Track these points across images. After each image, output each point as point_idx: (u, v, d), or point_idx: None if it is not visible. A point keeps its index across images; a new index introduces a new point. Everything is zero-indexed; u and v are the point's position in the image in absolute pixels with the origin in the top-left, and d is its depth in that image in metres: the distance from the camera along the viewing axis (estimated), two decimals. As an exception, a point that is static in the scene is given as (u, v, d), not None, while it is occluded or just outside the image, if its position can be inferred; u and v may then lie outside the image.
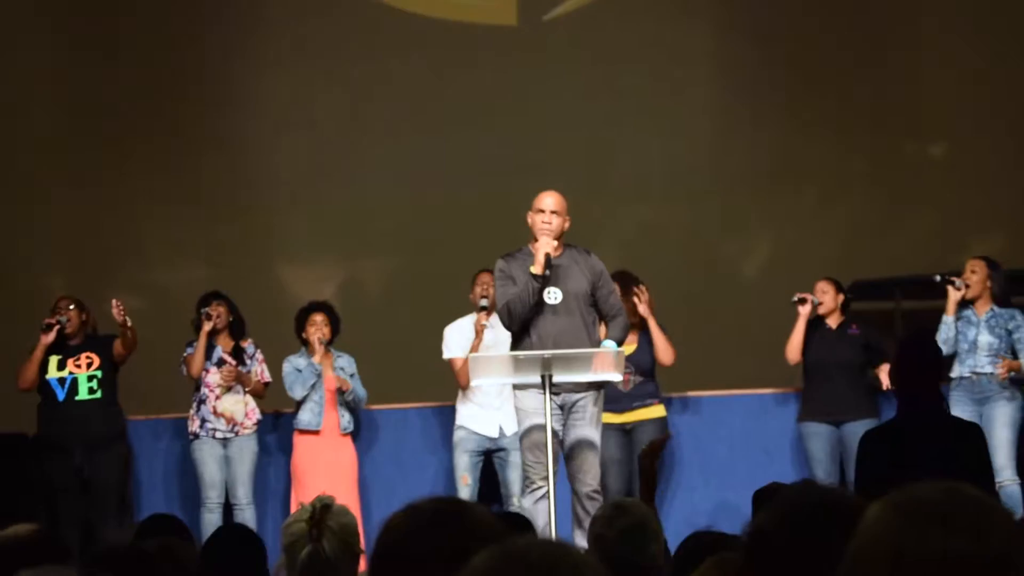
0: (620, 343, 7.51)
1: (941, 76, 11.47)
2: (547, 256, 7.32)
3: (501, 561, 1.68)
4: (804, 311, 9.14)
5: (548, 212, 7.41)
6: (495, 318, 8.94)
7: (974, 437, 5.63)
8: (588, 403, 7.40)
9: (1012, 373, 8.78)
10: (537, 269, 7.31)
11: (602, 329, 7.61)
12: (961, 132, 11.53)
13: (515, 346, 7.49)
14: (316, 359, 9.16)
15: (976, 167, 11.38)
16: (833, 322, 9.25)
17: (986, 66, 11.41)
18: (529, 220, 7.50)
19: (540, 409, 7.15)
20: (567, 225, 7.52)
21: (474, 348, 8.97)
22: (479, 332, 9.04)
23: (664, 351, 9.12)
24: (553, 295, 7.38)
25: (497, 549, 1.71)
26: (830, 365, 9.08)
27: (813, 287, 9.28)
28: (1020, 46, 11.40)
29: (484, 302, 9.05)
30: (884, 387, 9.02)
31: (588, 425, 7.39)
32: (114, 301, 8.89)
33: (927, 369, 5.70)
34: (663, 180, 11.52)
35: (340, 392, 9.16)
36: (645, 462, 5.44)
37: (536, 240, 7.45)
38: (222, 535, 4.49)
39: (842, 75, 11.51)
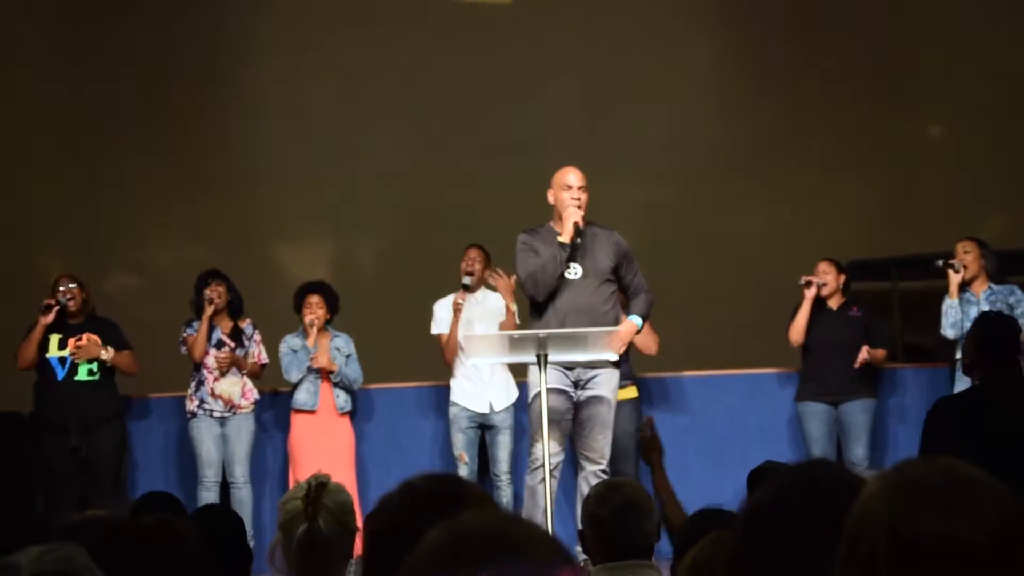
0: (644, 318, 7.50)
1: (943, 56, 11.46)
2: (576, 225, 7.31)
3: (452, 537, 1.68)
4: (810, 294, 9.14)
5: (576, 188, 7.42)
6: (480, 294, 8.98)
7: None
8: (602, 380, 7.36)
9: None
10: (566, 237, 7.32)
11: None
12: (961, 113, 11.53)
13: (531, 320, 7.45)
14: (310, 343, 9.15)
15: (976, 148, 11.38)
16: (834, 303, 9.26)
17: (989, 47, 11.40)
18: (551, 198, 7.48)
19: (552, 385, 7.12)
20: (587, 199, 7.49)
21: (452, 326, 8.95)
22: (456, 310, 9.00)
23: (645, 347, 9.08)
24: (574, 271, 7.38)
25: (448, 525, 1.70)
26: (830, 346, 9.09)
27: (814, 267, 9.28)
28: (1022, 25, 11.39)
29: (467, 280, 9.03)
30: (857, 364, 8.99)
31: (600, 402, 7.35)
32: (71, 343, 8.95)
33: (1008, 345, 5.75)
34: (661, 158, 11.52)
35: (329, 373, 9.15)
36: (647, 443, 5.44)
37: (557, 217, 7.46)
38: (200, 517, 4.49)
39: (844, 55, 11.50)
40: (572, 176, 7.45)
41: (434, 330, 9.22)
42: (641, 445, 5.49)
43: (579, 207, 7.36)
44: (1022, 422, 5.47)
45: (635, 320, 7.36)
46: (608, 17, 11.65)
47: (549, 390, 7.09)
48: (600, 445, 7.34)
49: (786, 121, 11.48)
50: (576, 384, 7.36)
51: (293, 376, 9.18)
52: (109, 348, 9.02)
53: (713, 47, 11.74)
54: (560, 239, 7.33)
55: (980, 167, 11.33)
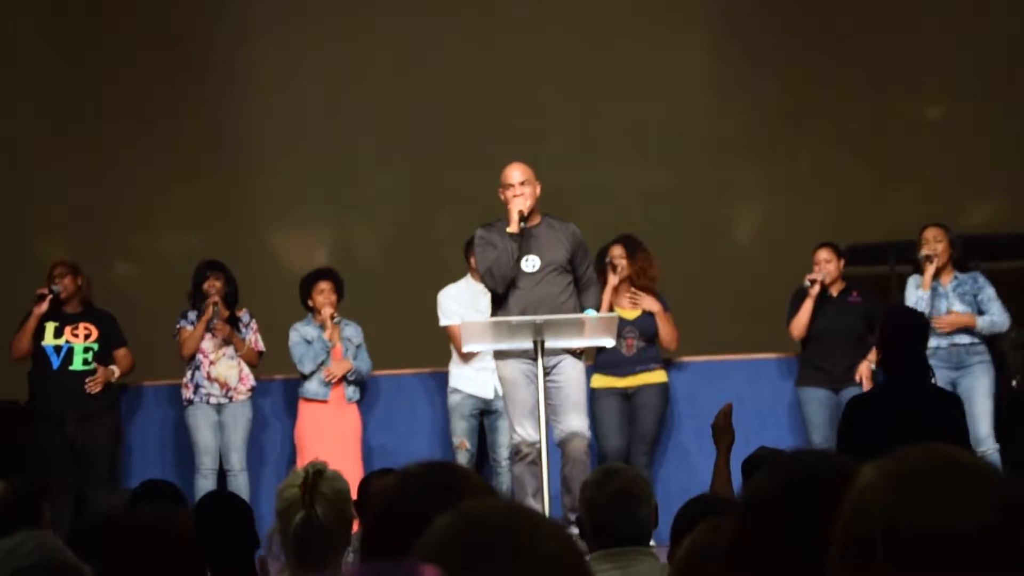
0: (597, 309, 7.64)
1: (940, 39, 11.44)
2: (520, 213, 7.47)
3: (459, 525, 1.68)
4: (813, 291, 9.12)
5: (517, 185, 7.55)
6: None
7: (954, 407, 5.92)
8: (567, 365, 7.51)
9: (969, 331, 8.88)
10: (513, 227, 7.47)
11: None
12: (959, 95, 11.51)
13: (494, 312, 7.65)
14: (327, 334, 9.12)
15: (973, 131, 11.36)
16: (835, 290, 9.24)
17: (985, 29, 11.38)
18: (501, 196, 7.64)
19: (518, 379, 7.34)
20: (539, 191, 7.63)
21: None
22: None
23: (669, 339, 9.14)
24: (531, 263, 7.54)
25: (456, 513, 1.70)
26: (830, 332, 9.08)
27: (812, 252, 9.25)
28: (1020, 8, 11.36)
29: None
30: (861, 377, 8.99)
31: (570, 385, 7.51)
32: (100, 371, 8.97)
33: (914, 340, 5.95)
34: (659, 144, 11.51)
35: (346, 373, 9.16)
36: (720, 429, 5.56)
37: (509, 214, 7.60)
38: (207, 503, 4.49)
39: (840, 38, 11.49)
40: (514, 173, 7.60)
41: (443, 321, 9.20)
42: (713, 429, 5.60)
43: (524, 197, 7.51)
44: (927, 418, 5.71)
45: (591, 313, 7.47)
46: (606, 3, 11.64)
47: (518, 382, 7.35)
48: (576, 429, 7.50)
49: (783, 105, 11.46)
50: (544, 372, 7.47)
51: (307, 368, 9.15)
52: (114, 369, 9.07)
53: (710, 31, 11.72)
54: (509, 230, 7.50)
55: (978, 149, 11.32)
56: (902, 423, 5.57)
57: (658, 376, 9.15)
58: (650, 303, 9.12)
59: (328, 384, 9.14)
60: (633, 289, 9.10)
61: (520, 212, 7.47)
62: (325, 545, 3.62)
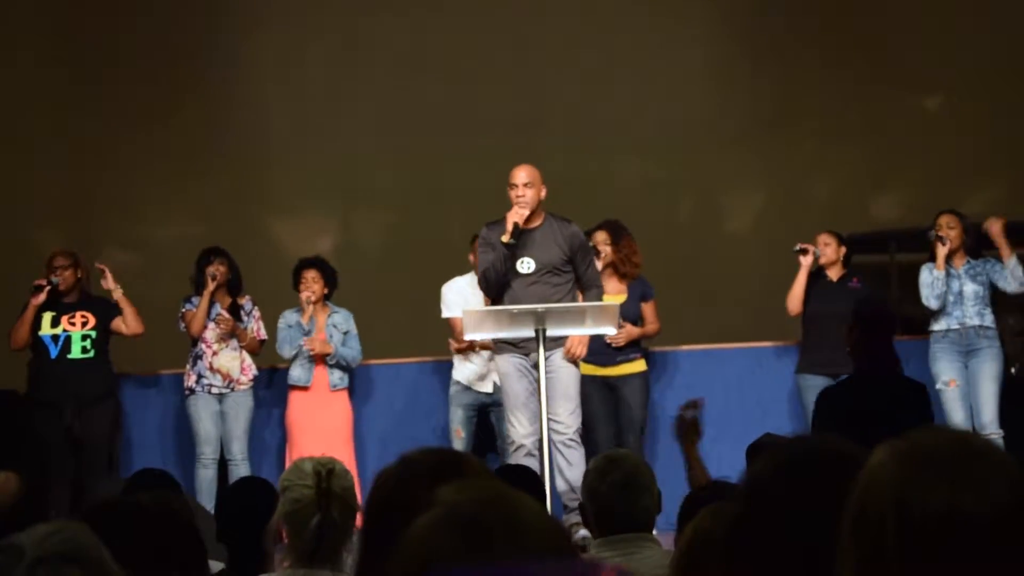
0: None
1: (939, 29, 11.44)
2: (515, 225, 7.59)
3: (440, 521, 1.67)
4: (805, 262, 9.13)
5: (521, 186, 7.68)
6: None
7: (919, 395, 6.06)
8: (557, 356, 7.67)
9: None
10: (505, 237, 7.62)
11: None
12: (958, 85, 11.52)
13: None
14: (304, 319, 9.14)
15: (971, 120, 11.36)
16: (834, 275, 9.24)
17: (984, 19, 11.38)
18: (509, 195, 7.73)
19: (511, 372, 7.51)
20: (543, 194, 7.77)
21: None
22: None
23: (652, 332, 9.18)
24: (526, 264, 7.69)
25: (438, 511, 1.69)
26: (829, 318, 9.06)
27: (813, 239, 9.27)
28: (1019, 7, 11.38)
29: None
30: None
31: (561, 376, 7.67)
32: (101, 268, 8.90)
33: (885, 331, 6.17)
34: (659, 133, 11.51)
35: (325, 355, 9.16)
36: (684, 425, 5.58)
37: None
38: (241, 487, 4.53)
39: (840, 28, 11.49)
40: (520, 174, 7.74)
41: (445, 313, 9.20)
42: (678, 425, 5.61)
43: (523, 205, 7.62)
44: (893, 408, 5.84)
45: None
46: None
47: (511, 375, 7.54)
48: (564, 415, 7.67)
49: (783, 95, 11.46)
50: (535, 366, 7.58)
51: (286, 352, 9.20)
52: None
53: (711, 23, 11.71)
54: (502, 239, 7.64)
55: (978, 138, 11.32)
56: (868, 414, 5.66)
57: (638, 366, 9.12)
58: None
59: (310, 366, 9.14)
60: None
61: (515, 224, 7.59)
62: (338, 543, 3.65)
